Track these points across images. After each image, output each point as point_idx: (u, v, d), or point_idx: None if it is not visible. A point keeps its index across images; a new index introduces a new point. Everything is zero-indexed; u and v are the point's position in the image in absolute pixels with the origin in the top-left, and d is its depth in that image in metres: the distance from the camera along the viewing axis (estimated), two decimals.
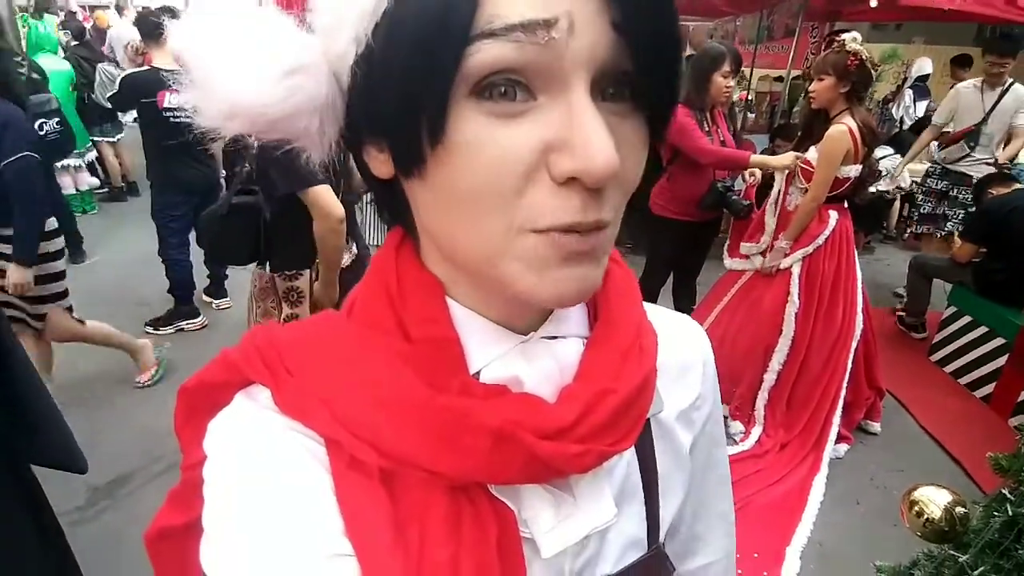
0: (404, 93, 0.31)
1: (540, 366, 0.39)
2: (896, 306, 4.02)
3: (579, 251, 0.33)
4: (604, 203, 0.33)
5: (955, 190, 4.05)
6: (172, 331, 3.39)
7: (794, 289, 2.55)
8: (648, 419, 0.46)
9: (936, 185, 4.16)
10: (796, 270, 2.55)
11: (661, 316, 0.51)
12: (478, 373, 0.39)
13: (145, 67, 3.10)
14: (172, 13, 0.37)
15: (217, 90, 0.35)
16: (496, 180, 0.31)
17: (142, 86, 3.01)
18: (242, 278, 2.32)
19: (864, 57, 2.30)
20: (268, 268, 1.91)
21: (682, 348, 0.51)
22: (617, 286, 0.44)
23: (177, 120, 3.05)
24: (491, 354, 0.39)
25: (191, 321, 3.44)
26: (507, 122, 0.31)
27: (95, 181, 5.24)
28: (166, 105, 2.99)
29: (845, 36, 2.38)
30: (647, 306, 0.48)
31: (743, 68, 5.38)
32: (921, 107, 5.66)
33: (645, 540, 0.46)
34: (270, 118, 0.35)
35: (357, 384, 0.37)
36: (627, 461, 0.45)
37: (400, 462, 0.36)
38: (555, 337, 0.41)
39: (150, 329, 3.37)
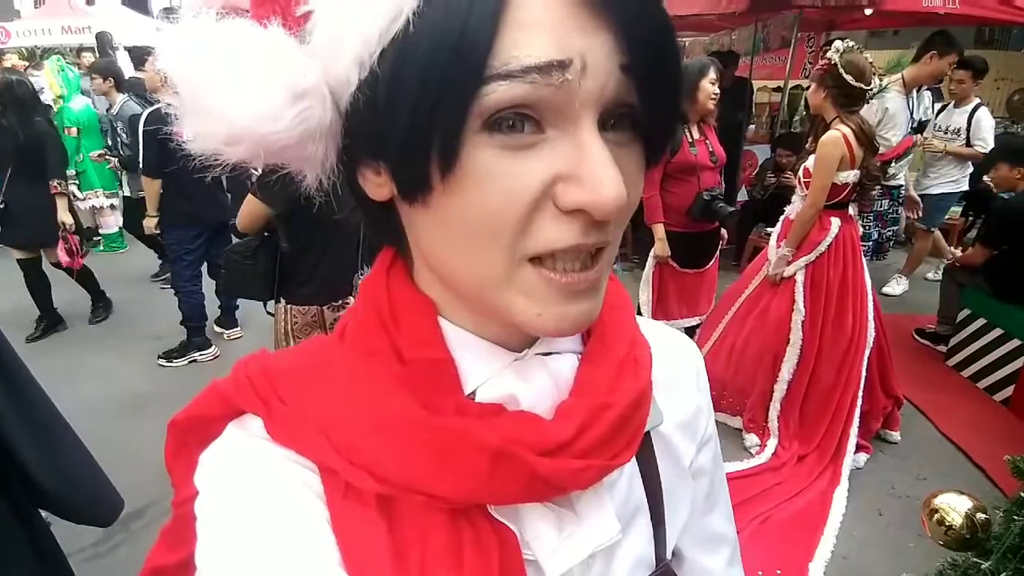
0: (414, 125, 0.30)
1: (536, 383, 0.39)
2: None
3: (580, 290, 0.34)
4: (606, 228, 0.33)
5: (892, 208, 3.64)
6: (185, 363, 3.42)
7: (799, 297, 2.53)
8: (649, 433, 0.45)
9: (879, 206, 3.66)
10: (800, 278, 2.53)
11: (652, 328, 0.51)
12: (474, 393, 0.38)
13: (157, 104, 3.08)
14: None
15: (216, 113, 0.32)
16: (506, 210, 0.31)
17: (165, 122, 2.86)
18: (252, 308, 2.32)
19: (833, 63, 2.30)
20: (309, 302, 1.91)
21: (675, 360, 0.51)
22: (610, 300, 0.43)
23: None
24: (486, 373, 0.39)
25: (203, 352, 3.46)
26: (517, 154, 0.31)
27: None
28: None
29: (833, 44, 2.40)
30: (638, 319, 0.48)
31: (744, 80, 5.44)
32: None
33: (653, 558, 0.45)
34: (279, 145, 0.33)
35: (352, 410, 0.37)
36: (629, 477, 0.45)
37: (398, 487, 0.35)
38: (549, 353, 0.41)
39: (163, 362, 3.40)
